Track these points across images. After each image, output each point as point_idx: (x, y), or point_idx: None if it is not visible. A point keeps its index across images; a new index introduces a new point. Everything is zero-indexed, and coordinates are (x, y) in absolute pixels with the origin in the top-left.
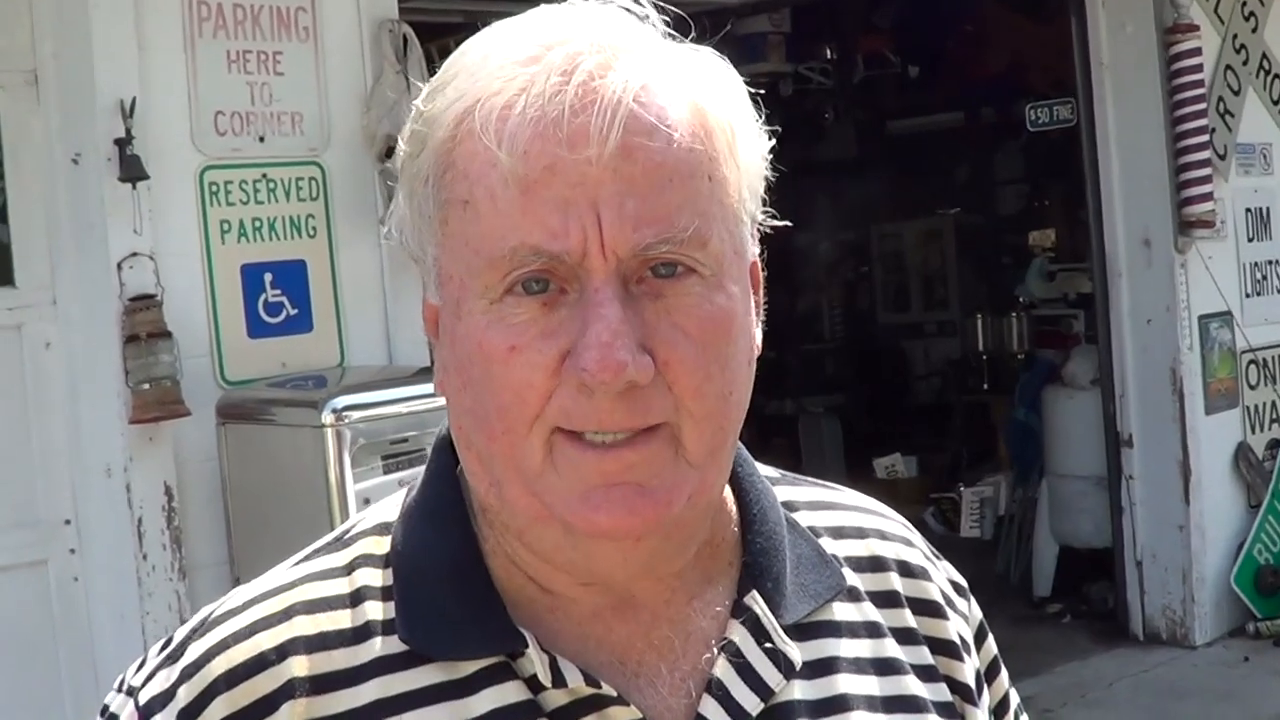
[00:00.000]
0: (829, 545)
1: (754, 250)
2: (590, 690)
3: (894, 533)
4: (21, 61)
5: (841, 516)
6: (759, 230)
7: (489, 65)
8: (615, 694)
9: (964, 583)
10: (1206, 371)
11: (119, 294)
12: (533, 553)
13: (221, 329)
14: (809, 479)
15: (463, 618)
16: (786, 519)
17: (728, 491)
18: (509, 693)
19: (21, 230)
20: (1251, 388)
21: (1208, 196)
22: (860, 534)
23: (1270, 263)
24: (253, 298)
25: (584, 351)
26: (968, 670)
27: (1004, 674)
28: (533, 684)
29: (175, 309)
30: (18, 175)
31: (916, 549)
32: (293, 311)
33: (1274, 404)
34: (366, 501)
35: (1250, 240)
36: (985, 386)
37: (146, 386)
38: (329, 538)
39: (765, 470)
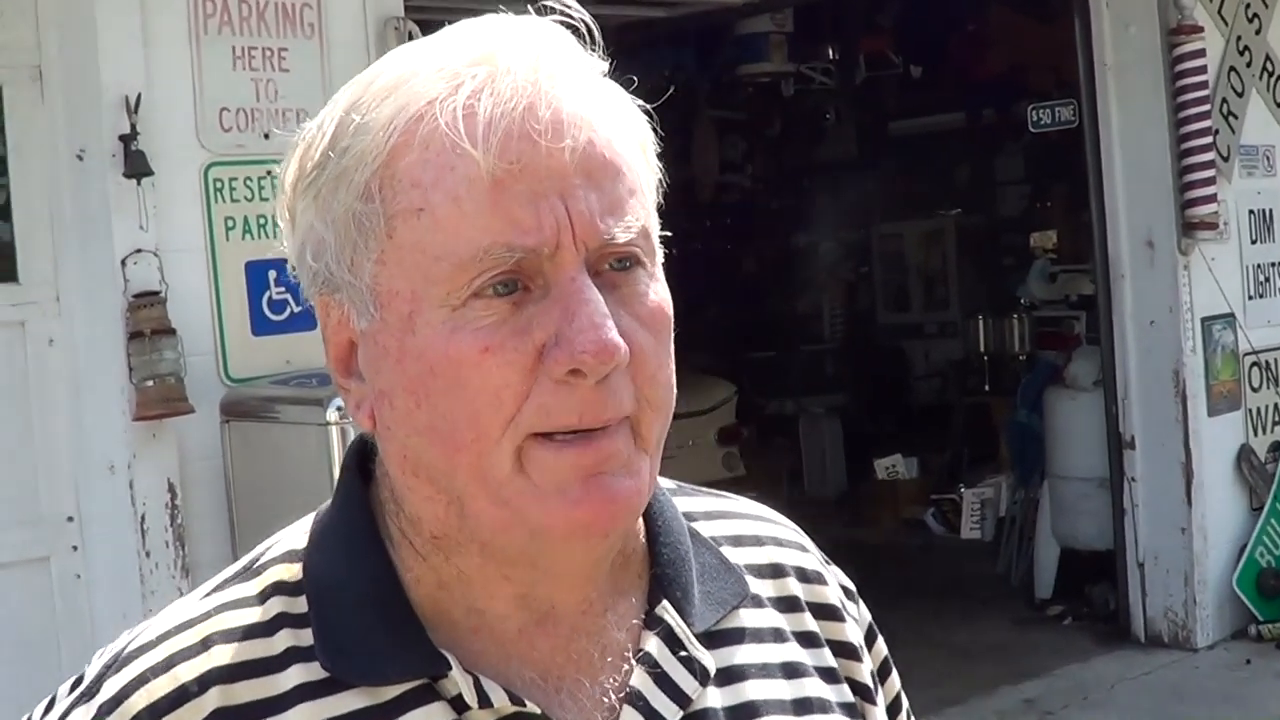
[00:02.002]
0: (729, 554)
1: None
2: (514, 709)
3: (789, 539)
4: (26, 57)
5: (738, 525)
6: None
7: (427, 74)
8: (539, 711)
9: (853, 586)
10: (1209, 373)
11: (123, 290)
12: (488, 564)
13: (226, 326)
14: (702, 489)
15: (382, 642)
16: (689, 529)
17: None
18: (433, 714)
19: (25, 226)
20: (1254, 390)
21: (1211, 198)
22: (758, 541)
23: (1273, 264)
24: (257, 295)
25: (578, 335)
26: (864, 670)
27: (894, 674)
28: (456, 705)
29: (179, 306)
30: (22, 171)
31: (811, 554)
32: (297, 309)
33: (1276, 406)
34: None
35: (1253, 242)
36: (986, 387)
37: (150, 383)
38: (236, 567)
39: (661, 481)
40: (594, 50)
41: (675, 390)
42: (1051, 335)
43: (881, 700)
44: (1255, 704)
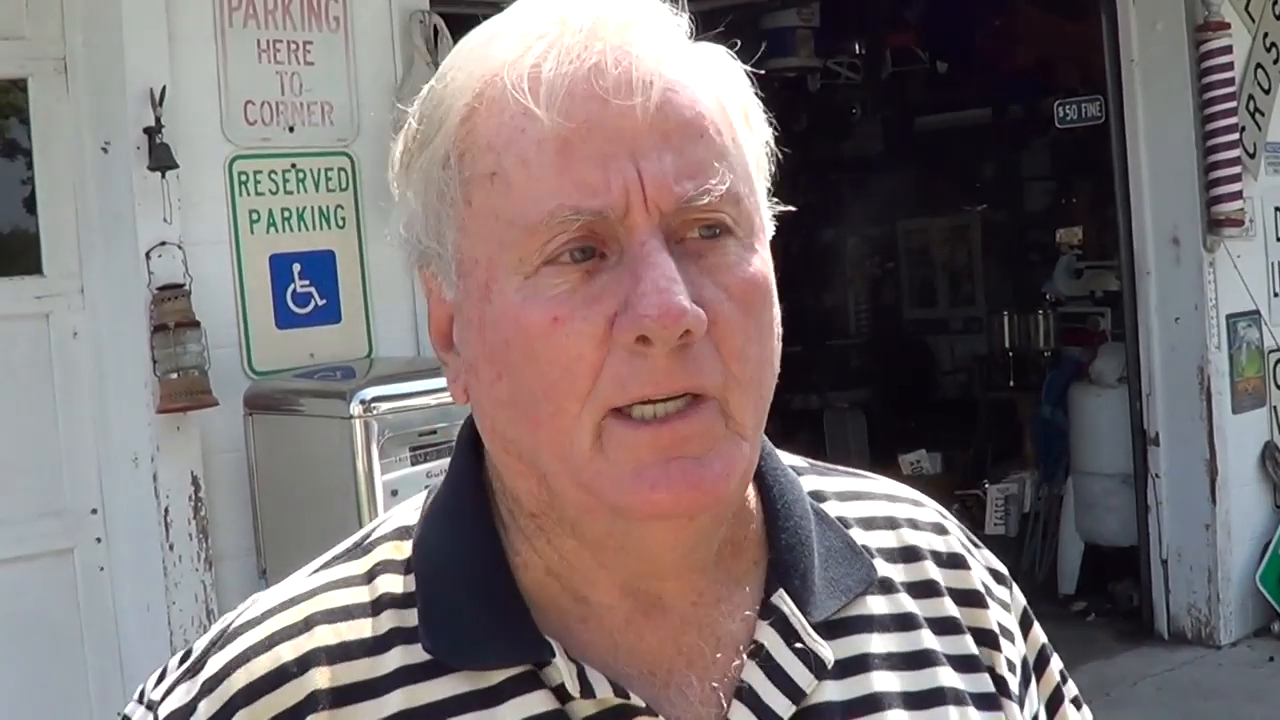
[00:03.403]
0: (859, 537)
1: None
2: (618, 700)
3: (926, 520)
4: (51, 50)
5: (872, 506)
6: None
7: (503, 38)
8: (644, 704)
9: (1004, 570)
10: (1234, 370)
11: (147, 283)
12: (583, 548)
13: (250, 319)
14: (840, 468)
15: (487, 626)
16: (815, 510)
17: (750, 486)
18: (536, 702)
19: (50, 219)
20: (1279, 387)
21: (1237, 195)
22: (892, 524)
23: None
24: (281, 288)
25: (641, 300)
26: (1003, 660)
27: (1054, 663)
28: (560, 694)
29: (203, 298)
30: (47, 164)
31: (951, 536)
32: (321, 302)
33: None
34: (394, 493)
35: (1279, 239)
36: (1011, 383)
37: (174, 376)
38: (348, 543)
39: (792, 460)
40: (678, 9)
41: (775, 368)
42: (1076, 331)
43: (1035, 691)
44: (1278, 701)
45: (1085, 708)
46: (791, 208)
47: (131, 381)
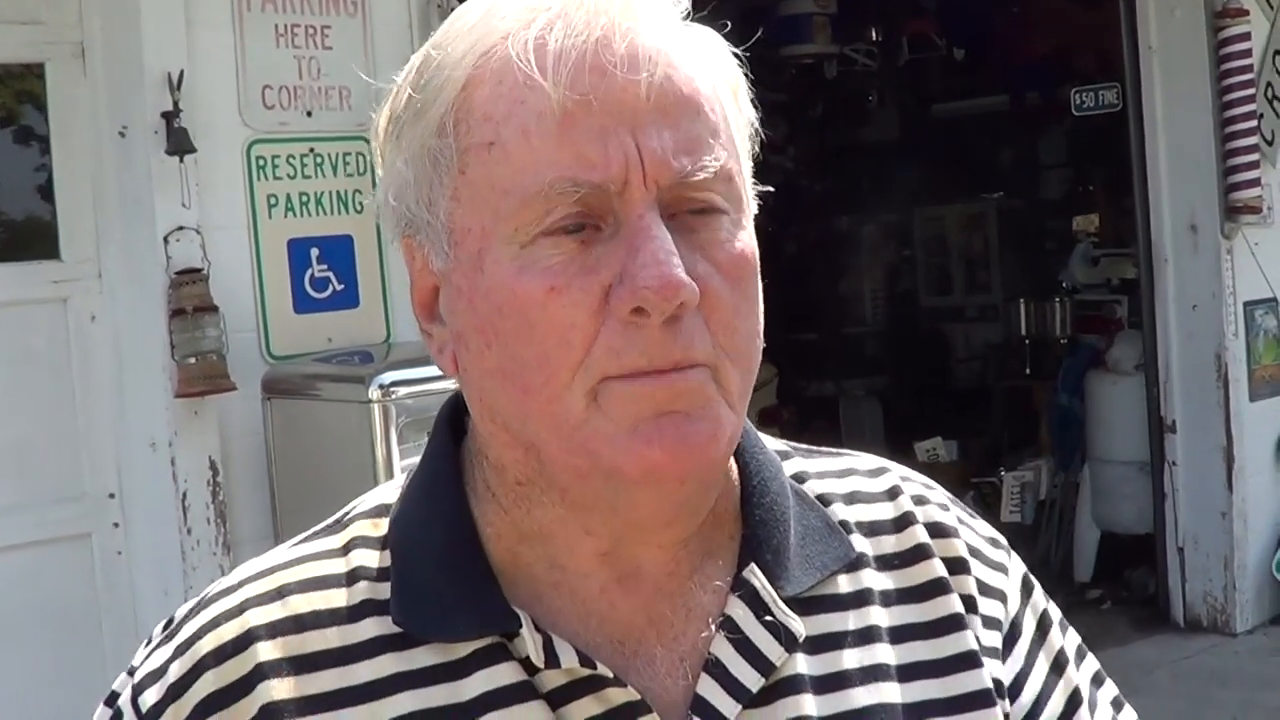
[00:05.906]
0: (841, 511)
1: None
2: (586, 671)
3: (911, 491)
4: (69, 34)
5: (855, 482)
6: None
7: (504, 9)
8: (612, 674)
9: (1001, 539)
10: (1251, 358)
11: (165, 267)
12: (570, 515)
13: (268, 303)
14: (825, 449)
15: (456, 598)
16: (794, 491)
17: (731, 462)
18: (503, 674)
19: (68, 203)
20: None
21: (1255, 182)
22: (873, 498)
23: None
24: (299, 272)
25: (640, 271)
26: (979, 621)
27: (1057, 633)
28: (529, 665)
29: (221, 283)
30: (64, 148)
31: (932, 506)
32: (339, 287)
33: None
34: None
35: None
36: (1027, 371)
37: (192, 360)
38: (328, 520)
39: (775, 444)
40: None
41: (760, 344)
42: (1093, 319)
43: (1028, 649)
44: None
45: (1108, 683)
46: (769, 188)
47: (150, 366)
